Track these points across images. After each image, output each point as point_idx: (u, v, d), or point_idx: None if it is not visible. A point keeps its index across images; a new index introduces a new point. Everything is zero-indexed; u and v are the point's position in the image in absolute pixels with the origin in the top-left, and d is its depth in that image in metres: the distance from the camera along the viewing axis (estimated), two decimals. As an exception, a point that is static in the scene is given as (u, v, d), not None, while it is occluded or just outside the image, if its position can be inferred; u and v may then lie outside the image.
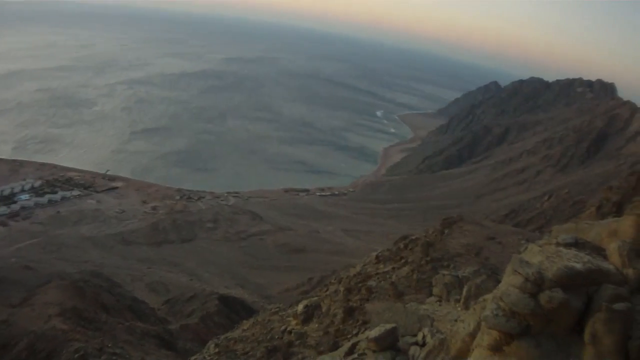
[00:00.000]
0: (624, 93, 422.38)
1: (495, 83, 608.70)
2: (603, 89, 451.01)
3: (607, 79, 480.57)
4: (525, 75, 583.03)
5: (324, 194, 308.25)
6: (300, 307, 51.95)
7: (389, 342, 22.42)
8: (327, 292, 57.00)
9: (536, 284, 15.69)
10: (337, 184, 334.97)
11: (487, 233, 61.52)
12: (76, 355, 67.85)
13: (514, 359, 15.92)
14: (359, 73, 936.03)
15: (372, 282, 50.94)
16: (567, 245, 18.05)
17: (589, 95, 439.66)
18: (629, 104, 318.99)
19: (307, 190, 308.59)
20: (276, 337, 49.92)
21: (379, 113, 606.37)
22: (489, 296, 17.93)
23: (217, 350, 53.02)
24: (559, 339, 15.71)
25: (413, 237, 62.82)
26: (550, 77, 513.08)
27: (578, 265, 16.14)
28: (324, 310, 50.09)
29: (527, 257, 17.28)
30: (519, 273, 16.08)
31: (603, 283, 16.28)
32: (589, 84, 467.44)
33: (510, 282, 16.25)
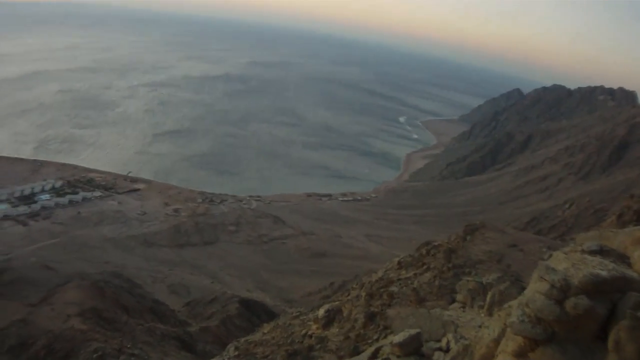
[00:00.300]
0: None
1: (518, 90, 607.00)
2: (624, 97, 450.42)
3: (628, 87, 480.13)
4: (547, 82, 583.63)
5: (346, 199, 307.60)
6: (321, 312, 51.88)
7: (413, 347, 22.46)
8: (349, 297, 56.86)
9: (562, 291, 15.70)
10: (360, 189, 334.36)
11: (509, 240, 61.42)
12: (94, 356, 68.08)
13: (536, 365, 15.94)
14: (380, 78, 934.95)
15: (393, 288, 50.86)
16: (592, 252, 18.03)
17: (611, 103, 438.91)
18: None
19: (329, 195, 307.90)
20: (297, 341, 49.90)
21: (401, 119, 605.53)
22: (514, 302, 17.93)
23: (237, 353, 53.06)
24: (583, 346, 15.70)
25: (435, 244, 62.60)
26: (572, 85, 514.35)
27: (603, 273, 16.13)
28: (345, 315, 50.06)
29: (553, 264, 17.28)
30: (545, 279, 16.10)
31: (628, 291, 16.26)
32: (611, 92, 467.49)
33: (536, 289, 16.25)
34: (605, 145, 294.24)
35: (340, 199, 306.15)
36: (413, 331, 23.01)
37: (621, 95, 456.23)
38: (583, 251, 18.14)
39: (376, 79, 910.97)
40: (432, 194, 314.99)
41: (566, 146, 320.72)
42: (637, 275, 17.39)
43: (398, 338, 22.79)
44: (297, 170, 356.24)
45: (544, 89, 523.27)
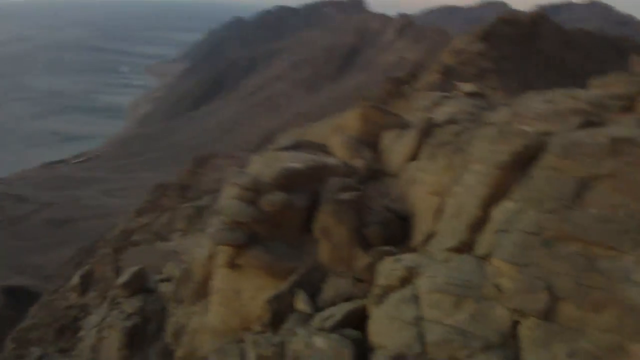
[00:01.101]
0: (375, 7, 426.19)
1: (239, 18, 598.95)
2: (353, 6, 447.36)
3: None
4: (270, 4, 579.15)
5: (79, 160, 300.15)
6: (75, 280, 51.09)
7: (138, 284, 22.15)
8: (98, 258, 56.18)
9: (254, 191, 15.59)
10: (91, 148, 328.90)
11: (241, 164, 61.90)
12: None
13: (251, 270, 15.84)
14: (104, 34, 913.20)
15: (136, 237, 50.59)
16: (286, 148, 18.09)
17: (338, 14, 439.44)
18: (380, 16, 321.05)
19: (63, 161, 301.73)
20: (61, 315, 49.01)
21: (124, 68, 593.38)
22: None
23: (14, 345, 51.77)
24: (290, 241, 15.71)
25: (167, 184, 62.63)
26: (297, 3, 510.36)
27: (297, 165, 16.20)
28: (98, 276, 49.47)
29: (248, 169, 17.28)
30: (236, 184, 15.95)
31: (329, 177, 16.37)
32: (338, 4, 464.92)
33: (228, 195, 16.11)
34: (333, 55, 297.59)
35: (74, 161, 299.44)
36: (134, 268, 22.77)
37: (348, 5, 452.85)
38: (277, 149, 18.17)
39: (100, 34, 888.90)
40: (161, 136, 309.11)
41: (293, 63, 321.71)
42: (337, 161, 17.61)
43: (122, 279, 22.51)
44: (30, 142, 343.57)
45: (266, 12, 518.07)
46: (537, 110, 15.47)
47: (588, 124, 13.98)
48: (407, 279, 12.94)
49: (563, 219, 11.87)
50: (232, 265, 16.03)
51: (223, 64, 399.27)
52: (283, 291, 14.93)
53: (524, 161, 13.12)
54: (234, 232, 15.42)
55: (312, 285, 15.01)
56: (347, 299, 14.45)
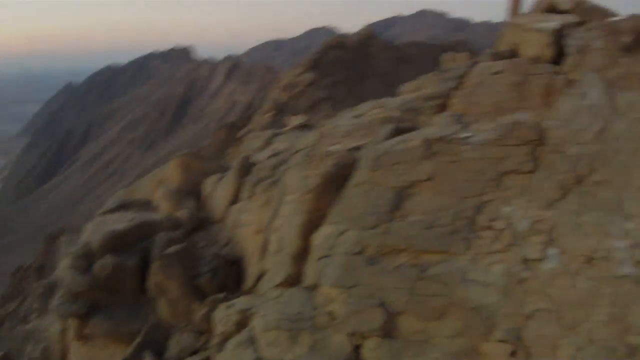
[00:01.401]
0: (202, 52, 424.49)
1: (70, 83, 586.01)
2: (179, 56, 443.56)
3: (184, 43, 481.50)
4: (99, 65, 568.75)
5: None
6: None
7: (3, 373, 21.64)
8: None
9: (86, 258, 15.43)
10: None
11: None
12: None
13: (99, 339, 15.64)
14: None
15: (7, 324, 49.36)
16: (112, 210, 17.95)
17: (166, 66, 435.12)
18: (206, 63, 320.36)
19: None
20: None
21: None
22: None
23: None
24: (130, 303, 15.57)
25: (25, 266, 61.25)
26: (125, 59, 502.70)
27: (121, 226, 16.10)
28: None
29: (80, 237, 17.13)
30: (69, 253, 15.81)
31: (156, 233, 16.29)
32: (164, 55, 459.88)
33: (63, 265, 15.94)
34: (164, 109, 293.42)
35: None
36: (-1, 355, 22.22)
37: (176, 55, 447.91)
38: (103, 213, 18.03)
39: None
40: (13, 217, 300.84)
41: (126, 123, 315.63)
42: (161, 216, 17.56)
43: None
44: None
45: (94, 74, 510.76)
46: (345, 127, 15.73)
47: (399, 131, 14.05)
48: (242, 323, 12.93)
49: (384, 233, 11.89)
50: (81, 337, 15.82)
51: (61, 133, 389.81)
52: (128, 356, 14.77)
53: (336, 181, 13.26)
54: (73, 304, 15.29)
55: (157, 344, 14.88)
56: (193, 352, 14.33)
